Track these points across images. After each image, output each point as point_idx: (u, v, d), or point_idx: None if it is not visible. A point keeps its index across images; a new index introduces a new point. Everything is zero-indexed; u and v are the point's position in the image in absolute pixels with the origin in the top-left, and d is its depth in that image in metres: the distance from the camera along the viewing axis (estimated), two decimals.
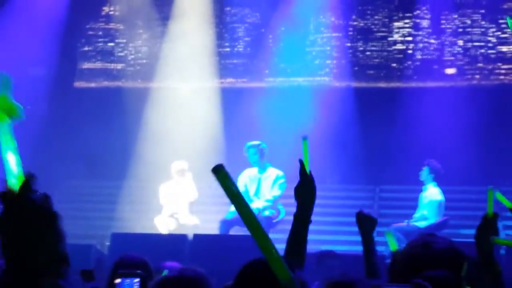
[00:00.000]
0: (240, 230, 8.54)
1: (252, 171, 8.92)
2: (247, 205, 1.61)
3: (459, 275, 2.70)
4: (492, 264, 2.80)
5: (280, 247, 2.81)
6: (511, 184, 10.11)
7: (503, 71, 12.29)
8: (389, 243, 3.44)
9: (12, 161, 1.63)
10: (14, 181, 1.51)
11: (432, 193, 8.95)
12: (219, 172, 1.56)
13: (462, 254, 2.76)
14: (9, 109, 2.10)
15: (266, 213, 8.71)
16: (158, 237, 8.10)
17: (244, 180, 8.90)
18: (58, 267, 1.63)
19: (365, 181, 10.63)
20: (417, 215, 9.01)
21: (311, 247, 7.61)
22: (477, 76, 12.27)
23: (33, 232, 1.51)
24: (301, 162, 2.91)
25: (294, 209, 2.86)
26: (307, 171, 2.94)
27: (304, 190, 2.89)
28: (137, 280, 2.86)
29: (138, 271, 2.97)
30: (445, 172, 9.02)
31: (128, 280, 2.83)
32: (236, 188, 1.58)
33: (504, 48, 12.21)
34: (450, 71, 12.38)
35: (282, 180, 8.73)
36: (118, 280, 2.83)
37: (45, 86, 11.26)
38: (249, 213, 1.60)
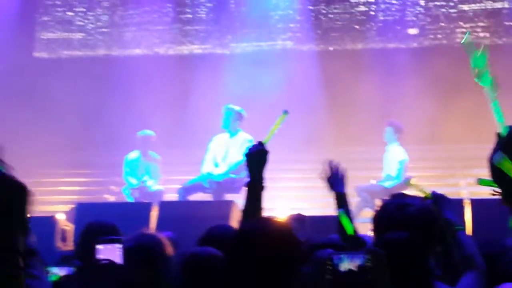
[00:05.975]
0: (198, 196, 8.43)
1: (224, 136, 8.61)
2: None
3: (432, 234, 2.74)
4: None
5: None
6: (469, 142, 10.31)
7: (464, 30, 12.36)
8: (345, 226, 3.07)
9: None
10: None
11: (396, 152, 9.01)
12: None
13: (434, 214, 2.80)
14: None
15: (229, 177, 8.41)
16: (123, 206, 8.04)
17: (214, 146, 8.70)
18: (27, 259, 1.49)
19: (332, 143, 10.67)
20: (383, 175, 9.09)
21: (277, 213, 7.62)
22: (439, 36, 12.31)
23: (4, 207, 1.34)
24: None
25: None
26: (265, 142, 2.92)
27: (253, 158, 2.86)
28: (119, 245, 2.81)
29: (119, 237, 2.91)
30: (406, 131, 9.13)
31: (109, 246, 2.77)
32: None
33: (465, 7, 12.26)
34: (413, 31, 12.41)
35: (249, 145, 8.30)
36: (100, 246, 2.78)
37: (2, 56, 10.99)
38: None
